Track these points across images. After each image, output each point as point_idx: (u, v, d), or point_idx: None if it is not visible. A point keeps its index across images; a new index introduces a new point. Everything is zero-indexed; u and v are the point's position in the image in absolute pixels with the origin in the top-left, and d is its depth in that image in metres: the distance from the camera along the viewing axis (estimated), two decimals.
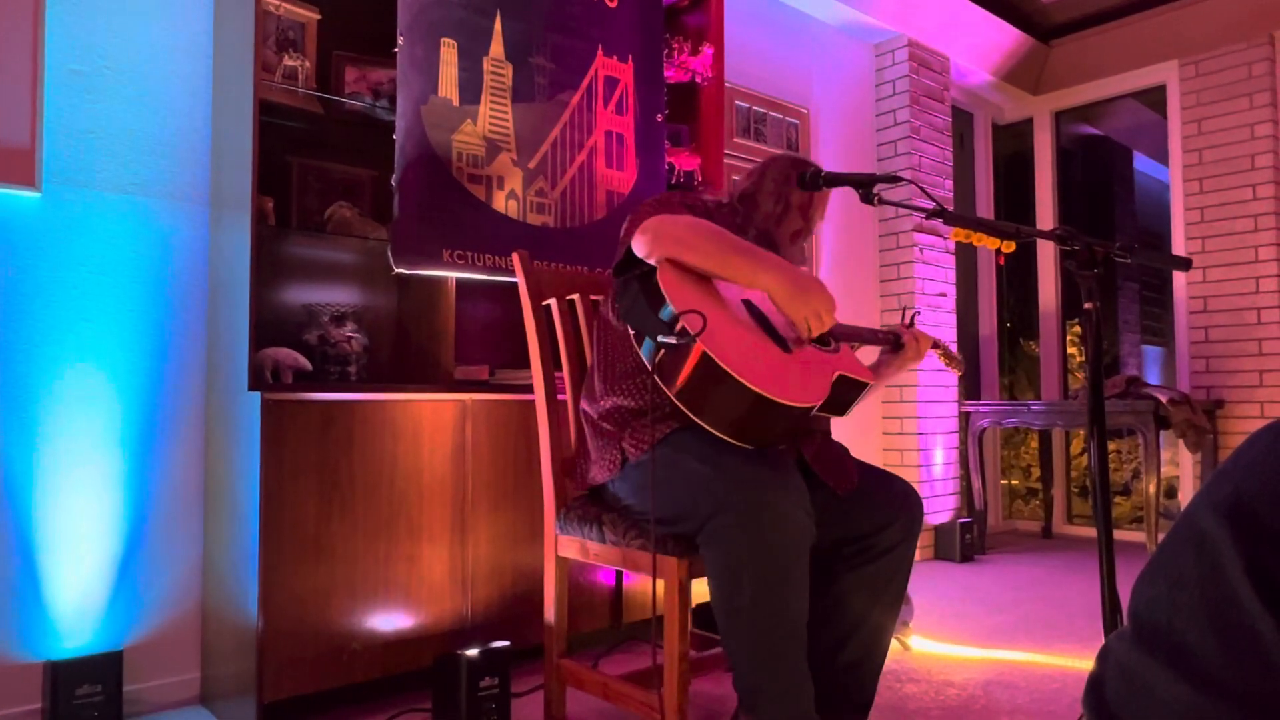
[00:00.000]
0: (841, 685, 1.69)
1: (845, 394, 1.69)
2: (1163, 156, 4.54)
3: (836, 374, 1.64)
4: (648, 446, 1.60)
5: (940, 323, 4.17)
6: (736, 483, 1.46)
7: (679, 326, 1.46)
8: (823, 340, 1.70)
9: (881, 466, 4.02)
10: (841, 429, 3.78)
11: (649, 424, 1.61)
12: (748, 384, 1.43)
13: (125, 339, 2.09)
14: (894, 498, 1.70)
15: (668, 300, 1.50)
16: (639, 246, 1.60)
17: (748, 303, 1.66)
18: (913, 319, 2.06)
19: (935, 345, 2.05)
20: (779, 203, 1.82)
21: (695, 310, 1.46)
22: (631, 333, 1.63)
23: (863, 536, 1.68)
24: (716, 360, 1.43)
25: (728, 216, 1.82)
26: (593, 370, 1.81)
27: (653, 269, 1.58)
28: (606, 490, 1.76)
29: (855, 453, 1.83)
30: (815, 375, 1.60)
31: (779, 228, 1.82)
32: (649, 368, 1.54)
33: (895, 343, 1.94)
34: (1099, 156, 5.17)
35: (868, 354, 2.18)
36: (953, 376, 4.22)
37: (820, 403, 1.57)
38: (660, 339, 1.49)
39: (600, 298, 2.00)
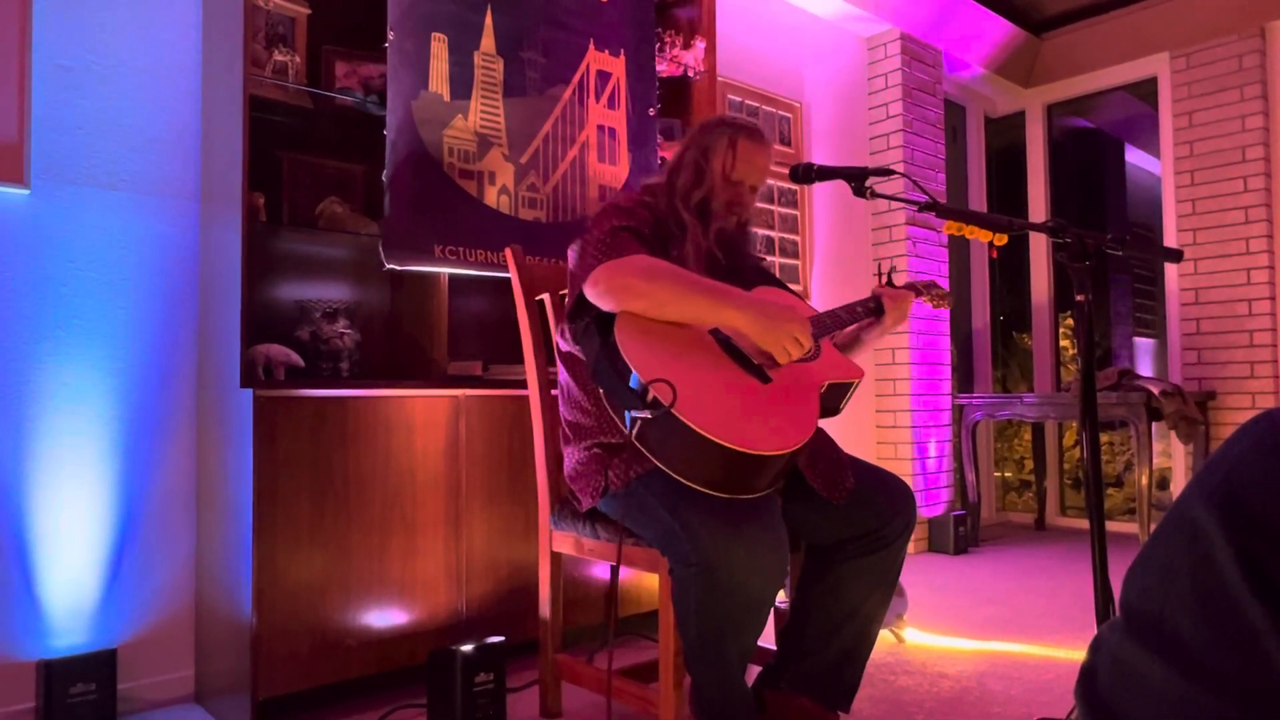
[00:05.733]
0: (832, 671, 1.72)
1: (835, 399, 1.67)
2: (1154, 149, 4.55)
3: (821, 386, 1.60)
4: (631, 478, 1.59)
5: (934, 315, 4.17)
6: (697, 543, 1.45)
7: (650, 397, 1.40)
8: None
9: (875, 460, 4.05)
10: (835, 424, 3.78)
11: (629, 457, 1.59)
12: (732, 446, 1.40)
13: (116, 336, 2.08)
14: (894, 498, 1.71)
15: (633, 369, 1.44)
16: (592, 297, 1.55)
17: (715, 332, 1.60)
18: (890, 275, 1.94)
19: (919, 293, 1.95)
20: (697, 173, 1.73)
21: (664, 380, 1.40)
22: (603, 393, 1.59)
23: (863, 535, 1.70)
24: (696, 429, 1.39)
25: (662, 202, 1.75)
26: (568, 387, 1.76)
27: (610, 317, 1.53)
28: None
29: (848, 446, 1.82)
30: (800, 401, 1.56)
31: (715, 200, 1.73)
32: (627, 434, 1.51)
33: (876, 309, 1.83)
34: (1091, 149, 5.18)
35: None
36: (946, 370, 4.22)
37: (810, 434, 1.52)
38: (634, 414, 1.44)
39: None
